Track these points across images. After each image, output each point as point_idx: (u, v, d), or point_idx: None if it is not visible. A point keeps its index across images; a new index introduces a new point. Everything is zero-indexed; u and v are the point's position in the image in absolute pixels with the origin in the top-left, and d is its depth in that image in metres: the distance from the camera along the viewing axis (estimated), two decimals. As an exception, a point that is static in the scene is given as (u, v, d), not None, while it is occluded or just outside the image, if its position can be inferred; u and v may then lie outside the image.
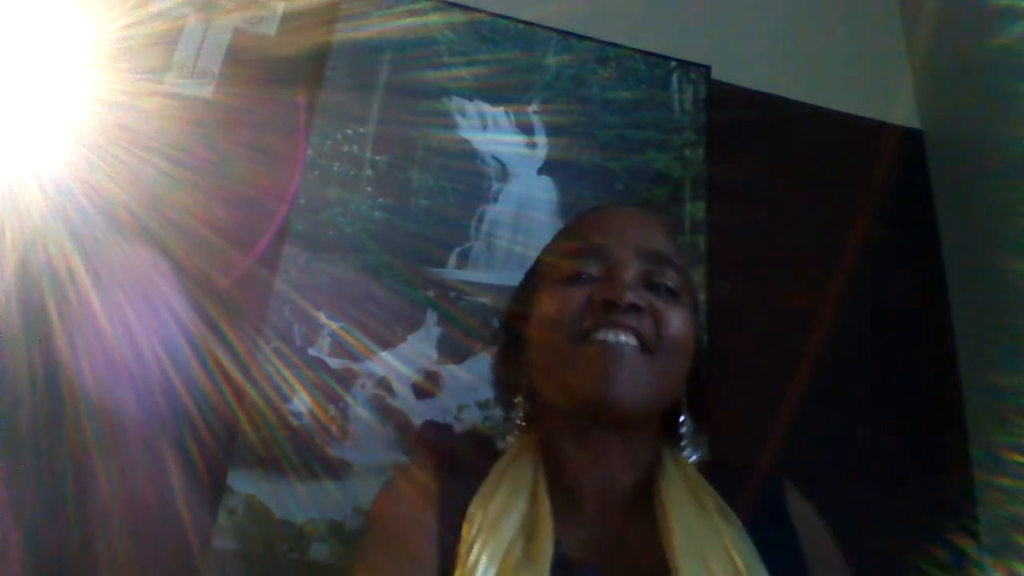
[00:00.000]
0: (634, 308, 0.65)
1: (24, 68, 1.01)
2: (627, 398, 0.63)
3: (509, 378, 0.76)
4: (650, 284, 0.68)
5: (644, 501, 0.66)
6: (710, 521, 0.63)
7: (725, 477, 0.68)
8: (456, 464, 0.71)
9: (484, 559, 0.59)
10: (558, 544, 0.61)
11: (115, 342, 0.91)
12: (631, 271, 0.68)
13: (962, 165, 1.28)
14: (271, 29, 1.15)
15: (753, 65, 1.31)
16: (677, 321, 0.67)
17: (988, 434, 1.10)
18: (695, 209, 1.17)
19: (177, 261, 0.98)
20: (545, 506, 0.63)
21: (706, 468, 0.69)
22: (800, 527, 0.66)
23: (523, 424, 0.72)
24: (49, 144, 1.00)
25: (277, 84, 1.11)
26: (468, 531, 0.62)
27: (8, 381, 0.89)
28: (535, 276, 0.76)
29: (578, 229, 0.75)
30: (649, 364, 0.65)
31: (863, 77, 1.38)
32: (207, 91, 1.09)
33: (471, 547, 0.60)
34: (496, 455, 0.70)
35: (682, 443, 0.70)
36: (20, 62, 1.01)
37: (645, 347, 0.65)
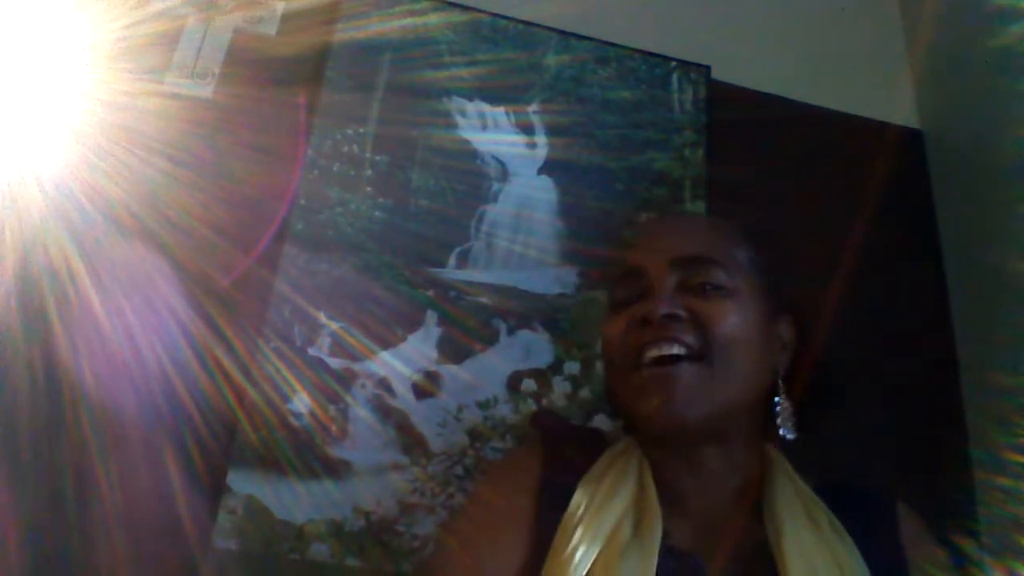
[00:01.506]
0: (671, 318, 0.65)
1: (24, 68, 1.01)
2: (687, 417, 0.63)
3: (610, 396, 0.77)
4: (693, 288, 0.67)
5: (751, 506, 0.66)
6: (822, 537, 0.63)
7: (837, 497, 0.68)
8: (566, 450, 0.71)
9: (588, 538, 0.60)
10: (665, 534, 0.61)
11: (115, 342, 0.91)
12: (666, 283, 0.67)
13: (962, 165, 1.27)
14: (271, 29, 1.15)
15: (753, 65, 1.31)
16: (723, 318, 0.65)
17: (988, 434, 1.10)
18: (695, 209, 1.17)
19: (177, 261, 0.98)
20: (653, 495, 0.64)
21: (818, 487, 0.69)
22: (912, 553, 0.66)
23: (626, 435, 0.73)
24: (49, 144, 1.00)
25: (277, 84, 1.11)
26: (575, 510, 0.63)
27: (8, 381, 0.89)
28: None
29: (621, 252, 0.75)
30: (703, 373, 0.64)
31: (863, 77, 1.38)
32: (207, 91, 1.09)
33: (576, 526, 0.61)
34: (605, 447, 0.71)
35: (779, 422, 0.68)
36: (20, 62, 1.00)
37: (695, 355, 0.64)
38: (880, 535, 0.66)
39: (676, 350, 0.64)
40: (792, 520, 0.63)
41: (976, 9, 1.26)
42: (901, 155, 1.31)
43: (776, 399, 0.69)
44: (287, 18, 1.16)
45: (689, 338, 0.64)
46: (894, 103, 1.37)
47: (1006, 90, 1.17)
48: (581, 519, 0.62)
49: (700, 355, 0.64)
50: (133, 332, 0.92)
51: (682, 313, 0.65)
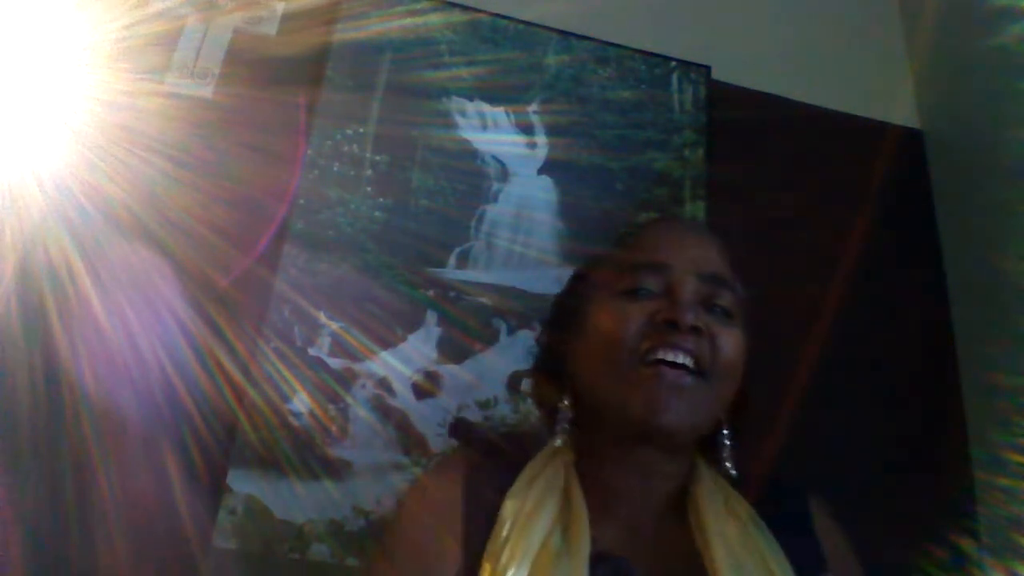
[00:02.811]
0: (694, 330, 0.65)
1: (24, 68, 1.01)
2: (679, 427, 0.64)
3: (550, 386, 0.75)
4: (708, 305, 0.68)
5: (677, 506, 0.67)
6: (744, 530, 0.64)
7: (754, 491, 0.69)
8: (488, 466, 0.70)
9: (519, 552, 0.60)
10: (593, 540, 0.61)
11: (115, 342, 0.91)
12: (692, 292, 0.67)
13: (962, 165, 1.27)
14: (271, 29, 1.15)
15: (753, 65, 1.31)
16: (732, 344, 0.67)
17: (988, 434, 1.10)
18: (695, 209, 1.17)
19: (177, 261, 0.98)
20: (579, 502, 0.64)
21: (736, 482, 0.69)
22: (825, 542, 0.68)
23: (569, 433, 0.70)
24: (49, 144, 1.00)
25: (277, 84, 1.11)
26: (501, 527, 0.62)
27: (8, 381, 0.89)
28: (584, 285, 0.75)
29: (638, 242, 0.74)
30: (703, 390, 0.65)
31: (863, 77, 1.38)
32: (207, 91, 1.09)
33: (505, 542, 0.61)
34: (527, 456, 0.70)
35: (724, 455, 0.69)
36: (20, 62, 1.01)
37: (700, 371, 0.65)
38: (795, 527, 0.68)
39: (688, 362, 0.65)
40: (716, 516, 0.64)
41: (976, 9, 1.26)
42: (901, 155, 1.31)
43: (724, 431, 0.70)
44: (287, 18, 1.16)
45: (703, 354, 0.65)
46: (894, 103, 1.37)
47: (1006, 90, 1.17)
48: (508, 537, 0.61)
49: (702, 372, 0.65)
50: (133, 332, 0.92)
51: (704, 328, 0.66)
